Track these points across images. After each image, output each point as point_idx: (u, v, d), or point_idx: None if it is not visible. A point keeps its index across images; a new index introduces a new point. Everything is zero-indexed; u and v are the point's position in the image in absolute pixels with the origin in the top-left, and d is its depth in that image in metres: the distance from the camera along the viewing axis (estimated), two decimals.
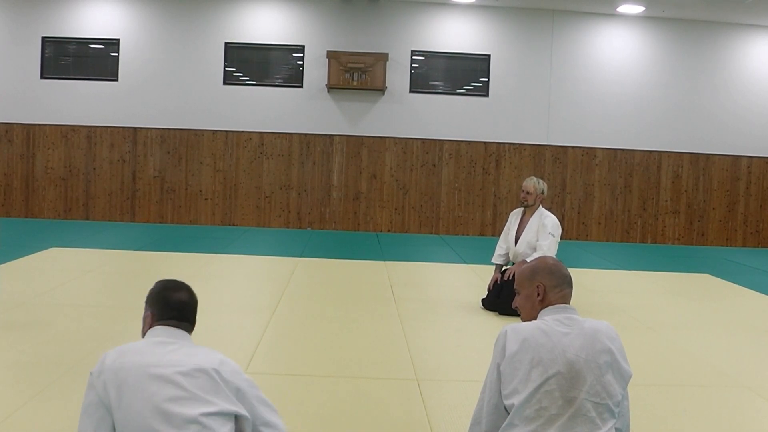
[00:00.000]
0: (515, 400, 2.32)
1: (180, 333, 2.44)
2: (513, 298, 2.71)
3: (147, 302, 2.51)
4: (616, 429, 2.38)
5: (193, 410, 2.21)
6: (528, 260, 5.97)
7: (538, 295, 2.54)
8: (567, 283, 2.57)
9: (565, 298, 2.56)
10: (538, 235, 6.21)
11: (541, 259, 2.66)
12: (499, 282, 6.39)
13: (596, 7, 12.24)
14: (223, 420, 2.26)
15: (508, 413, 2.36)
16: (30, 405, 3.56)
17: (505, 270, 6.46)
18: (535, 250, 6.16)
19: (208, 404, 2.24)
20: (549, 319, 2.46)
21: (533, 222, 6.28)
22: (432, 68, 12.72)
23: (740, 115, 12.75)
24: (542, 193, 6.34)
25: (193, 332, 2.51)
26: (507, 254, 6.46)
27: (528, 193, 6.31)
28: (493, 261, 6.60)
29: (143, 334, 2.48)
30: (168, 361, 2.29)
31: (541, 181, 6.40)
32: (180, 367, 2.28)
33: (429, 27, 12.46)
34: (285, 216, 12.50)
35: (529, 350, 2.36)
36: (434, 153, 12.54)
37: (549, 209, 6.55)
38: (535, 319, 2.54)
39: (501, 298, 6.17)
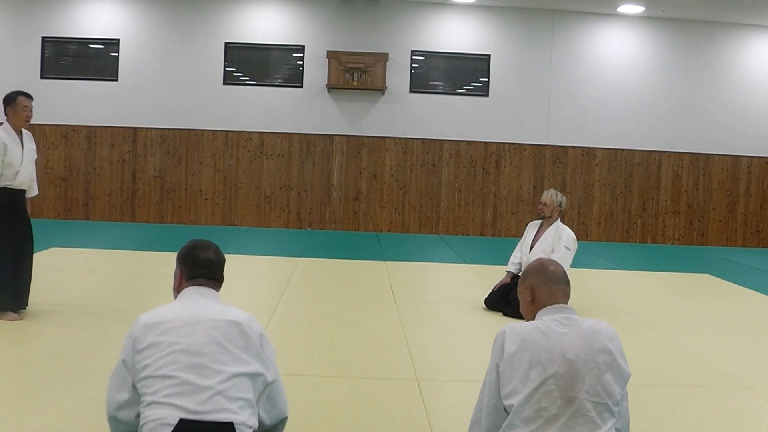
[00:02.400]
0: (514, 401, 2.32)
1: (209, 292, 2.59)
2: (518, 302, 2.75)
3: (177, 259, 2.70)
4: (615, 429, 2.38)
5: (227, 367, 2.34)
6: None
7: (528, 296, 2.57)
8: (554, 280, 2.54)
9: (555, 296, 2.53)
10: (554, 246, 6.21)
11: (533, 261, 2.68)
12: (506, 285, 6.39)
13: (596, 7, 12.24)
14: (250, 380, 2.40)
15: (508, 413, 2.35)
16: (30, 405, 3.56)
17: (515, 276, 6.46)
18: None
19: (241, 363, 2.38)
20: (547, 319, 2.46)
21: (549, 233, 6.30)
22: (432, 68, 12.72)
23: (740, 115, 12.75)
24: (559, 206, 6.33)
25: None
26: (521, 263, 6.45)
27: (545, 204, 6.33)
28: (507, 269, 6.58)
29: (174, 289, 2.65)
30: (203, 315, 2.44)
31: (559, 194, 6.39)
32: (214, 320, 2.43)
33: (429, 27, 12.46)
34: (285, 216, 12.50)
35: (528, 350, 2.35)
36: (434, 153, 12.54)
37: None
38: (533, 320, 2.54)
39: (509, 300, 6.17)
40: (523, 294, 2.59)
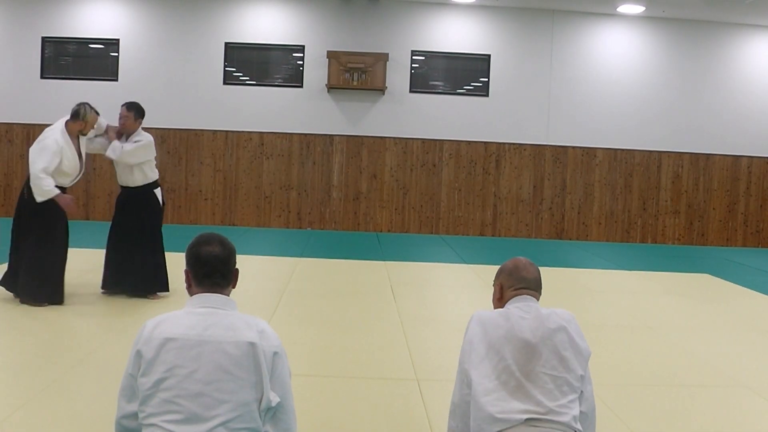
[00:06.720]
0: (478, 377, 2.50)
1: (218, 300, 2.40)
2: None
3: (185, 257, 2.47)
4: (581, 411, 2.52)
5: (233, 396, 2.23)
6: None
7: (498, 294, 2.79)
8: (525, 284, 2.72)
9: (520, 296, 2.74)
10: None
11: (510, 261, 2.84)
12: None
13: (596, 7, 12.24)
14: (257, 406, 2.28)
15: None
16: (30, 405, 3.56)
17: None
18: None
19: (249, 389, 2.26)
20: (511, 307, 2.68)
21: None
22: (432, 68, 12.72)
23: (740, 115, 12.75)
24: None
25: None
26: None
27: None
28: None
29: (186, 288, 2.46)
30: (210, 335, 2.29)
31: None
32: (223, 342, 2.28)
33: (429, 27, 12.46)
34: (285, 216, 12.50)
35: (489, 332, 2.57)
36: (434, 153, 12.54)
37: None
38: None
39: None
40: (495, 288, 2.81)
